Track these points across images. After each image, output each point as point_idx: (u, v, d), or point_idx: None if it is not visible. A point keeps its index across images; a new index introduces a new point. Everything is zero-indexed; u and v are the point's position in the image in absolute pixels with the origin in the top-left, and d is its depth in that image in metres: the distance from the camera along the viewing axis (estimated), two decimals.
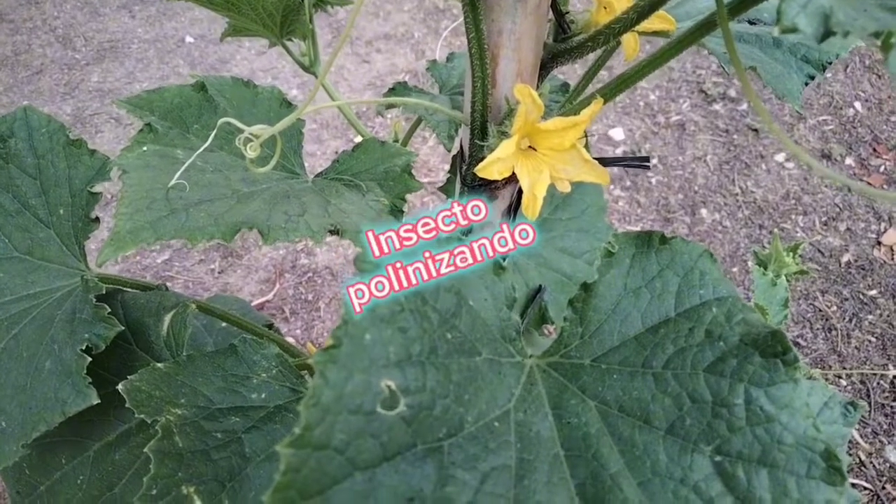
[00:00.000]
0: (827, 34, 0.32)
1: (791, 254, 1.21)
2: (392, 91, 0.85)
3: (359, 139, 0.78)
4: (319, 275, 2.23)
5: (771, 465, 0.38)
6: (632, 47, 0.57)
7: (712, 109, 2.75)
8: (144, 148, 0.62)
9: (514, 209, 0.65)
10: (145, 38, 3.16)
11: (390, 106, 0.81)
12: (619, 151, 2.60)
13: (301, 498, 0.29)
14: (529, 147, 0.53)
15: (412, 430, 0.33)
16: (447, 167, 2.59)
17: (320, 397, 0.30)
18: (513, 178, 0.63)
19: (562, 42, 0.57)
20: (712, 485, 0.38)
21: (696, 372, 0.41)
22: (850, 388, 1.93)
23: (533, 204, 0.51)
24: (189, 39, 3.16)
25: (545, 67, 0.59)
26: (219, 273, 2.22)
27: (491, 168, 0.50)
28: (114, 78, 2.94)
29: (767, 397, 0.39)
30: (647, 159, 0.55)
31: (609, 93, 0.53)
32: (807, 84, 0.66)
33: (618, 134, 2.68)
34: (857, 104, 2.73)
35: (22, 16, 3.26)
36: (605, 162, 0.51)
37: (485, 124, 0.55)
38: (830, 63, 0.66)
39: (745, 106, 2.75)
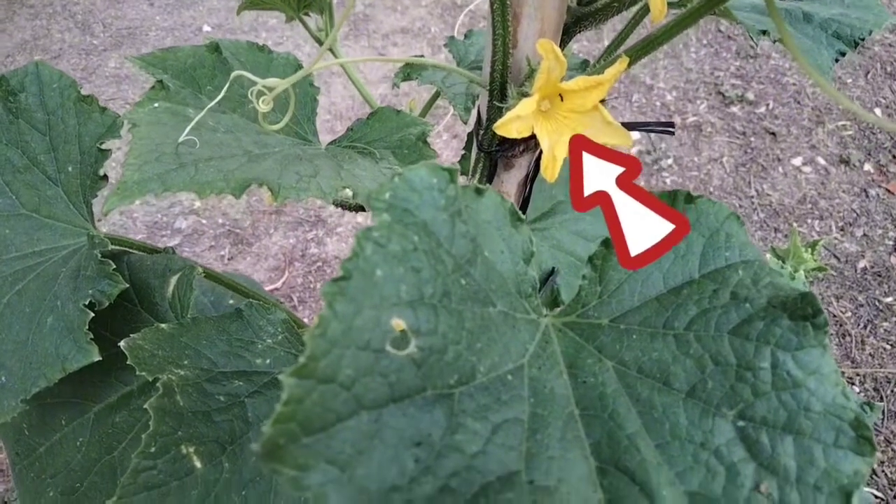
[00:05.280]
0: None
1: (810, 250, 1.19)
2: (408, 65, 0.84)
3: None
4: (329, 264, 2.22)
5: (797, 433, 0.36)
6: (658, 8, 0.55)
7: (729, 111, 2.72)
8: (156, 104, 0.60)
9: (531, 179, 0.64)
10: (163, 26, 3.17)
11: (406, 78, 0.79)
12: (633, 151, 2.58)
13: (304, 432, 0.27)
14: (550, 108, 0.52)
15: (422, 374, 0.31)
16: (454, 158, 2.57)
17: (327, 328, 0.28)
18: (529, 148, 0.62)
19: (586, 5, 0.56)
20: (734, 450, 0.36)
21: (720, 334, 0.39)
22: (862, 395, 1.90)
23: (552, 165, 0.49)
24: (206, 29, 3.17)
25: (568, 32, 0.57)
26: (228, 259, 2.22)
27: (510, 126, 0.48)
28: (131, 64, 2.95)
29: (795, 362, 0.37)
30: (671, 125, 0.53)
31: (635, 54, 0.51)
32: (837, 60, 0.64)
33: (633, 133, 2.66)
34: (878, 110, 2.69)
35: (42, 1, 3.28)
36: (627, 126, 0.50)
37: (504, 85, 0.54)
38: (863, 39, 0.64)
39: (762, 109, 2.72)
